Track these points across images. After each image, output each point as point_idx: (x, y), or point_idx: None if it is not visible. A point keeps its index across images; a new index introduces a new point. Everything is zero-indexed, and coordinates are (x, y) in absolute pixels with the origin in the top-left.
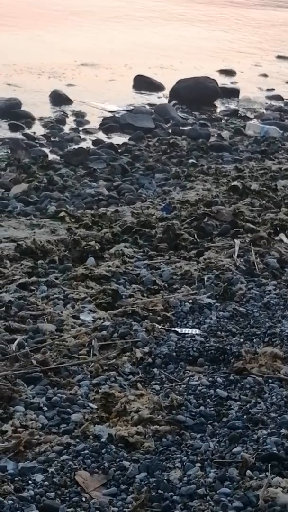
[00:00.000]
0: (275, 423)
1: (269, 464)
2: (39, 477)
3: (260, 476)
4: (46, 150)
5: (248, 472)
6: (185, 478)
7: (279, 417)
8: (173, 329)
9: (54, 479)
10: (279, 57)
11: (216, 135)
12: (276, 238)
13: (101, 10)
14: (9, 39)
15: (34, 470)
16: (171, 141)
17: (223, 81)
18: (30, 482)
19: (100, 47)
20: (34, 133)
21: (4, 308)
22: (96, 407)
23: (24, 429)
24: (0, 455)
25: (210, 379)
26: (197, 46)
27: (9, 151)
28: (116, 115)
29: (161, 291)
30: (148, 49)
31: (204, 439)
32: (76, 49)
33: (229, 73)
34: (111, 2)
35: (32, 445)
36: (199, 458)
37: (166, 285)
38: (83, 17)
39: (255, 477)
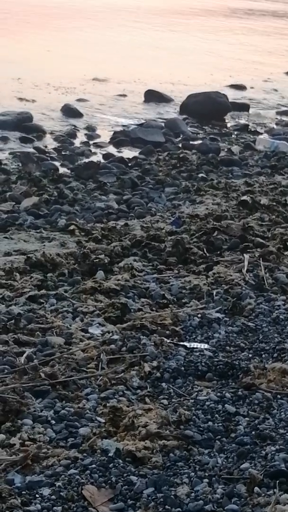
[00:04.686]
0: (283, 439)
1: (277, 481)
2: (46, 491)
3: (268, 492)
4: (57, 163)
5: (256, 488)
6: (193, 494)
7: (287, 434)
8: (181, 343)
9: (61, 493)
10: None
11: (226, 149)
12: (286, 253)
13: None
14: (20, 53)
15: (41, 484)
16: (181, 155)
17: (234, 96)
18: (37, 496)
19: (109, 60)
20: (45, 146)
21: (13, 321)
22: (104, 421)
23: (31, 443)
24: (8, 468)
25: (219, 394)
26: (207, 60)
27: (20, 164)
28: (127, 129)
29: (170, 305)
30: (157, 63)
31: (212, 454)
32: (86, 63)
33: (239, 87)
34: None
35: (40, 459)
36: (206, 474)
37: (175, 299)
38: (89, 28)
39: (263, 494)
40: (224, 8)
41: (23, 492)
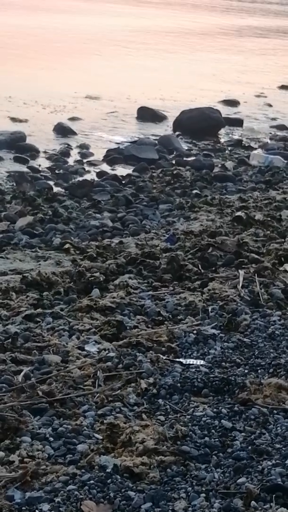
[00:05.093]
0: (279, 454)
1: (274, 495)
2: (45, 507)
3: (264, 507)
4: (51, 182)
5: (253, 503)
6: (190, 509)
7: (283, 448)
8: (177, 360)
9: (60, 508)
10: (282, 86)
11: (220, 165)
12: (281, 268)
13: (99, 44)
14: (13, 73)
15: (41, 500)
16: (175, 172)
17: (227, 111)
18: (37, 511)
19: (101, 79)
20: (39, 165)
21: (10, 340)
22: (101, 437)
23: (30, 459)
24: (8, 485)
25: (215, 410)
26: (200, 77)
27: (15, 184)
28: (120, 146)
29: (166, 322)
30: (149, 81)
31: (209, 469)
32: (78, 81)
33: (232, 103)
34: (108, 35)
35: (39, 475)
36: (204, 489)
37: (170, 316)
38: (83, 51)
39: (260, 508)
40: (213, 28)
41: (23, 508)
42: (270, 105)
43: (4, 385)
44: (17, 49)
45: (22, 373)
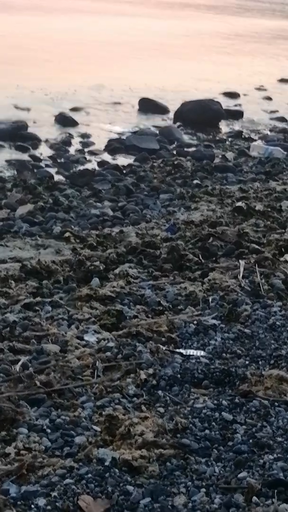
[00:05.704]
0: (281, 447)
1: (276, 490)
2: (41, 501)
3: (266, 502)
4: (52, 171)
5: (254, 498)
6: (190, 504)
7: (285, 442)
8: (177, 350)
9: (56, 503)
10: (282, 80)
11: (220, 156)
12: (281, 259)
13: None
14: (16, 63)
15: (37, 494)
16: (175, 162)
17: (227, 103)
18: (32, 506)
19: (103, 70)
20: (40, 154)
21: (8, 329)
22: (99, 429)
23: (27, 452)
24: (3, 478)
25: (215, 402)
26: (201, 71)
27: (16, 172)
28: (121, 136)
29: (166, 312)
30: (151, 73)
31: (209, 463)
32: (80, 74)
33: (233, 95)
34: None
35: (35, 468)
36: (204, 483)
37: (170, 306)
38: (86, 46)
39: (261, 504)
40: (214, 30)
41: (19, 503)
42: (270, 98)
43: (1, 374)
44: (29, 49)
45: (20, 363)
